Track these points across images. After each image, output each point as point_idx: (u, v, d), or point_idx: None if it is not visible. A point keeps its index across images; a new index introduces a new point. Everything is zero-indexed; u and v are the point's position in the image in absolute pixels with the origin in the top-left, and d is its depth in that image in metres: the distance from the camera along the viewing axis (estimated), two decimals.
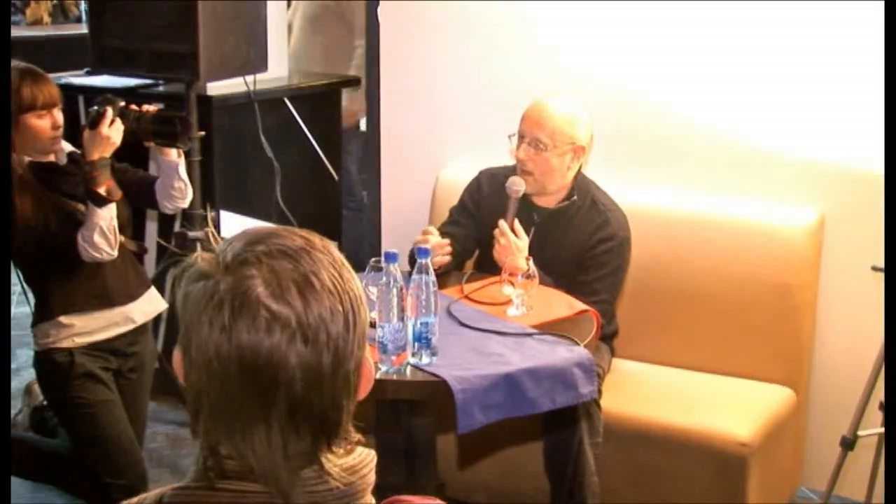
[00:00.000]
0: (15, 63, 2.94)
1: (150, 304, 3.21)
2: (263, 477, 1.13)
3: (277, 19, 4.37)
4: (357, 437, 1.19)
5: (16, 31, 6.81)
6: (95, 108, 2.98)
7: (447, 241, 3.15)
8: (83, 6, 7.21)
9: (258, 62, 3.85)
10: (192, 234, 3.79)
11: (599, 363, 3.02)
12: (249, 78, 3.97)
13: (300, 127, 4.49)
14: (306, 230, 1.20)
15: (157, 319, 4.19)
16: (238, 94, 4.07)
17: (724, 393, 3.32)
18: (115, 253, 2.96)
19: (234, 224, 4.12)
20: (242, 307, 1.10)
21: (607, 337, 3.29)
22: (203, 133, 3.77)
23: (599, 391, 2.95)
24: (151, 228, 4.25)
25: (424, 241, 3.06)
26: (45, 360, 3.05)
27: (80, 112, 4.22)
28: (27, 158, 2.95)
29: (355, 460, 1.19)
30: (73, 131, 3.09)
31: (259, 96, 4.07)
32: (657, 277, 3.51)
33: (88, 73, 4.01)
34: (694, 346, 3.49)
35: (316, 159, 4.61)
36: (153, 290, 3.25)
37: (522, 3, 3.73)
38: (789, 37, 3.34)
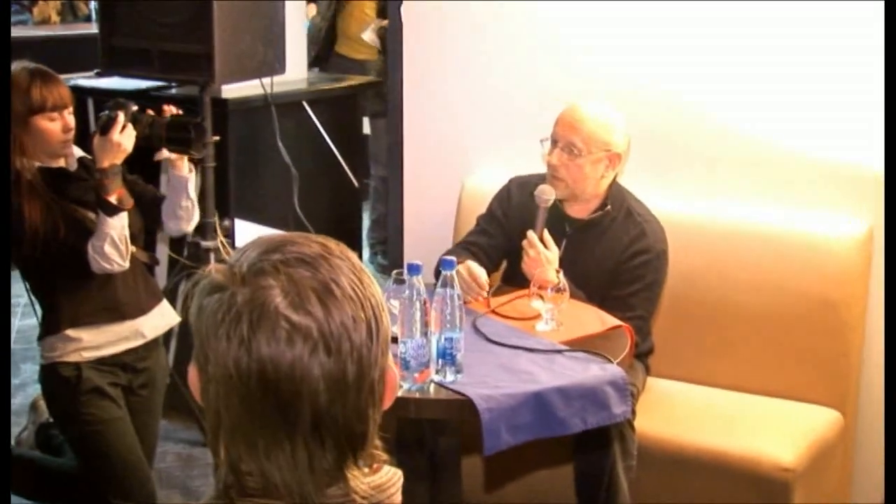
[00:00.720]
0: (24, 63, 2.96)
1: (161, 318, 3.22)
2: (289, 494, 1.13)
3: (295, 19, 4.39)
4: (384, 455, 1.20)
5: (23, 31, 6.87)
6: (106, 112, 2.99)
7: (485, 290, 3.10)
8: (93, 4, 7.26)
9: (275, 64, 3.85)
10: (205, 243, 3.80)
11: (633, 382, 3.00)
12: (266, 80, 3.98)
13: (319, 132, 4.50)
14: (322, 236, 1.21)
15: (167, 334, 4.21)
16: (254, 98, 4.09)
17: (766, 414, 3.30)
18: (127, 264, 2.97)
19: (249, 233, 4.13)
20: (261, 319, 1.11)
21: (642, 354, 3.28)
22: (217, 138, 3.78)
23: (633, 411, 2.93)
24: (163, 239, 4.26)
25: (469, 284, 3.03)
26: (51, 375, 3.06)
27: (89, 116, 4.24)
28: (36, 163, 2.97)
29: (382, 479, 1.20)
30: (82, 136, 3.11)
31: (276, 100, 4.09)
32: (696, 292, 3.49)
33: (98, 75, 4.04)
34: (734, 365, 3.46)
35: (335, 166, 4.62)
36: (165, 303, 3.25)
37: (553, 2, 3.73)
38: (838, 36, 3.32)
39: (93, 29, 6.80)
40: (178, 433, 4.10)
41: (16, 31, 6.79)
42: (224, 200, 4.01)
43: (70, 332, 3.02)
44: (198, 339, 1.15)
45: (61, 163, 3.05)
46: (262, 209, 4.29)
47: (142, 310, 3.14)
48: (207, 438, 1.19)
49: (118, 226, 2.92)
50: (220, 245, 3.78)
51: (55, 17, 7.29)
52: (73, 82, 4.27)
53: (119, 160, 2.95)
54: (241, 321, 1.11)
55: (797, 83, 3.39)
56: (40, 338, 3.10)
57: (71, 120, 2.98)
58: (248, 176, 4.25)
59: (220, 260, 3.63)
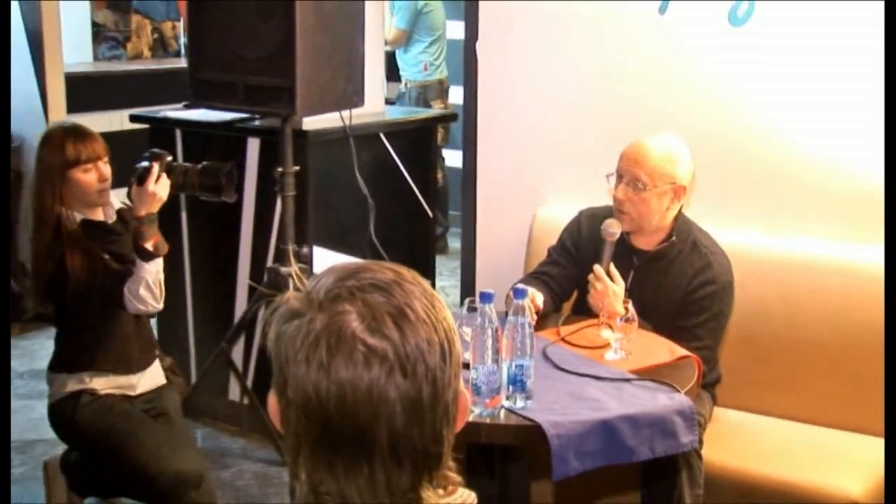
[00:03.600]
0: (61, 122, 3.16)
1: (153, 378, 3.34)
2: None
3: (374, 53, 4.44)
4: (457, 477, 1.21)
5: (117, 66, 7.08)
6: (143, 164, 3.12)
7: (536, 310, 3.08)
8: (182, 41, 7.42)
9: (354, 97, 3.90)
10: (284, 269, 3.85)
11: (701, 411, 2.98)
12: (345, 113, 4.03)
13: (396, 164, 4.54)
14: (394, 263, 1.23)
15: (247, 355, 4.27)
16: (333, 130, 4.14)
17: (835, 447, 3.24)
18: (161, 306, 3.11)
19: (326, 260, 4.17)
20: (339, 343, 1.12)
21: (709, 384, 3.25)
22: (297, 168, 3.85)
23: (701, 441, 2.91)
24: (244, 265, 4.33)
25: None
26: (58, 406, 3.19)
27: (177, 146, 4.34)
28: (79, 216, 3.12)
29: (457, 501, 1.20)
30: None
31: (354, 132, 4.13)
32: (765, 323, 3.45)
33: (186, 107, 4.13)
34: (804, 397, 3.42)
35: (411, 197, 4.65)
36: (157, 363, 3.37)
37: (631, 33, 3.73)
38: None
39: (182, 63, 6.97)
40: (256, 452, 4.14)
41: (110, 66, 7.02)
42: (303, 228, 4.06)
43: (84, 375, 3.17)
44: (277, 365, 1.18)
45: (100, 214, 3.20)
46: (339, 238, 4.33)
47: (143, 367, 3.28)
48: (287, 461, 1.21)
49: (153, 270, 3.05)
50: (294, 273, 3.82)
51: (147, 53, 7.46)
52: (162, 114, 4.37)
53: (155, 209, 3.09)
54: (319, 346, 1.13)
55: (872, 112, 3.33)
56: (54, 369, 3.21)
57: (106, 170, 3.14)
58: (326, 205, 4.30)
59: (296, 288, 3.65)
